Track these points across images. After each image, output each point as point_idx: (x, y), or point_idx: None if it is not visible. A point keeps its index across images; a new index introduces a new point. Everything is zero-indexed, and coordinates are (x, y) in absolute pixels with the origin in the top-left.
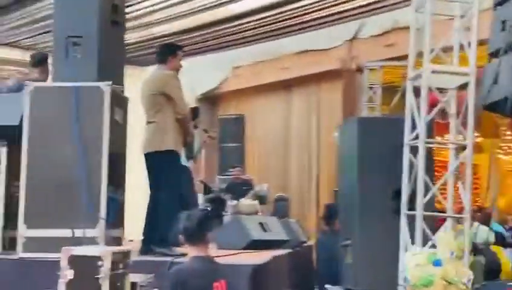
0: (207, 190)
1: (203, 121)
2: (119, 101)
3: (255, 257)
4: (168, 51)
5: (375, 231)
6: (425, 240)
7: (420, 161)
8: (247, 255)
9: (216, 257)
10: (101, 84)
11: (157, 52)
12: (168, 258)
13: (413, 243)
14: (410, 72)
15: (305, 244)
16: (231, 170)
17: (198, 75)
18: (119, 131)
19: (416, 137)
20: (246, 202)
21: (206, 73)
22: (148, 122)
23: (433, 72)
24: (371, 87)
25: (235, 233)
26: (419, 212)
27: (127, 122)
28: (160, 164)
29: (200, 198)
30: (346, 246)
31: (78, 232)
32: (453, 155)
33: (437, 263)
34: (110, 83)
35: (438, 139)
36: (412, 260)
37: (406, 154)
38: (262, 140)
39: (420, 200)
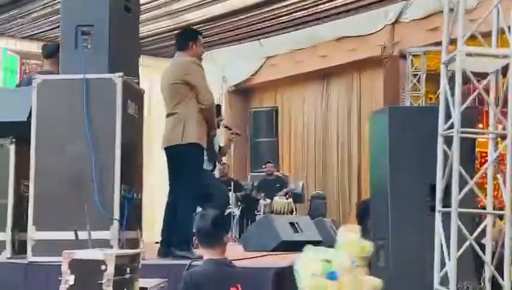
0: (238, 188)
1: (236, 115)
2: (133, 94)
3: (282, 259)
4: (188, 37)
5: (409, 231)
6: (462, 240)
7: (455, 152)
8: (272, 258)
9: (238, 259)
10: (112, 75)
11: (176, 38)
12: (186, 261)
13: (448, 244)
14: (443, 55)
15: None
16: (264, 166)
17: (230, 66)
18: (133, 125)
19: (451, 127)
20: (280, 201)
21: (238, 63)
22: (169, 114)
23: (468, 54)
24: (414, 75)
25: (264, 234)
26: (454, 208)
27: (143, 116)
28: (181, 159)
29: (231, 197)
30: (377, 247)
31: (88, 235)
32: (492, 146)
33: (332, 276)
34: (122, 74)
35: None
36: (308, 268)
37: (440, 146)
38: (299, 134)
39: (455, 196)
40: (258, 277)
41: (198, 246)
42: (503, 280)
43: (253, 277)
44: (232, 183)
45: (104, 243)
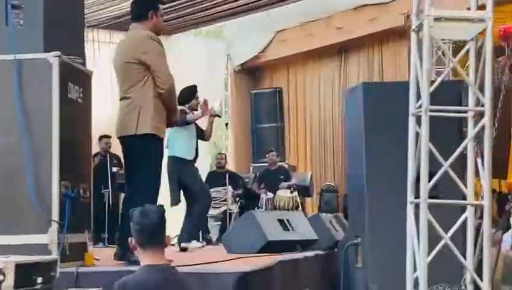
0: (236, 181)
1: (244, 98)
2: (76, 76)
3: (255, 262)
4: (148, 5)
5: (389, 226)
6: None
7: (423, 134)
8: (240, 261)
9: (198, 264)
10: (47, 55)
11: (133, 6)
12: (135, 268)
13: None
14: (413, 20)
15: None
16: (267, 155)
17: (235, 43)
18: (77, 112)
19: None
20: (283, 195)
21: (244, 39)
22: (122, 98)
23: (438, 19)
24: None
25: (248, 233)
26: (423, 199)
27: (90, 101)
28: (136, 152)
29: (229, 192)
30: (354, 245)
31: (23, 239)
32: (471, 124)
33: None
34: (59, 53)
35: None
36: None
37: (412, 127)
38: (315, 117)
39: (424, 184)
40: (217, 284)
41: (134, 248)
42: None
43: (210, 283)
44: (228, 175)
45: (41, 249)
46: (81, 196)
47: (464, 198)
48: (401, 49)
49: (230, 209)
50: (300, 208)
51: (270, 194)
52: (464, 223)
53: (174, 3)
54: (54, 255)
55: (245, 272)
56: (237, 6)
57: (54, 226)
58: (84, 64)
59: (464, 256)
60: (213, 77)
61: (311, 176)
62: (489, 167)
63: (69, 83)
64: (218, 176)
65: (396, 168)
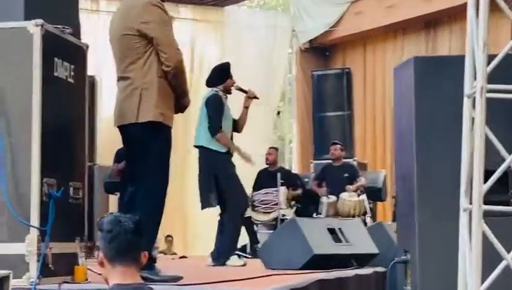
0: (290, 181)
1: (310, 81)
2: (66, 50)
3: (284, 281)
4: None
5: (444, 238)
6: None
7: (478, 120)
8: (268, 280)
9: (207, 283)
10: (27, 23)
11: None
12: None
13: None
14: None
15: None
16: (330, 148)
17: (302, 16)
18: (66, 95)
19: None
20: (348, 198)
21: (313, 13)
22: (120, 78)
23: None
24: None
25: (290, 245)
26: (476, 205)
27: (85, 82)
28: (138, 144)
29: (281, 195)
30: (403, 263)
31: None
32: None
33: None
34: (41, 21)
35: None
36: None
37: (467, 112)
38: (390, 104)
39: (477, 186)
40: None
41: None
42: None
43: None
44: (281, 174)
45: (17, 260)
46: (70, 197)
47: None
48: (503, 21)
49: (283, 215)
50: (369, 214)
51: (333, 197)
52: None
53: None
54: (33, 268)
55: None
56: None
57: (33, 233)
58: (77, 35)
59: None
60: (275, 57)
61: (385, 176)
62: None
63: (56, 59)
64: (268, 175)
65: (454, 165)
